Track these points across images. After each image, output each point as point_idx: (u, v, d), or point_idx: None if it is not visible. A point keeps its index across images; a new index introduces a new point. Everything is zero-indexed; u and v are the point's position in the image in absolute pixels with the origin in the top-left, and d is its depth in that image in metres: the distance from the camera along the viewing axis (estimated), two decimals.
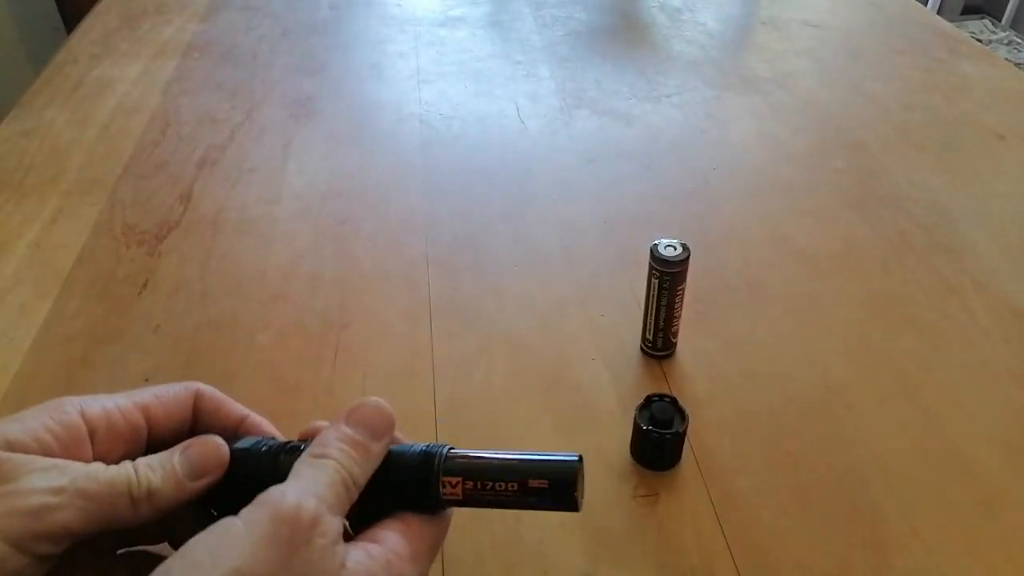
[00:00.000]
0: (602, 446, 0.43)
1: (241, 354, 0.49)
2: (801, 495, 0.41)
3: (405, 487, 0.28)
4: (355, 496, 0.26)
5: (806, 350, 0.49)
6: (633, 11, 1.00)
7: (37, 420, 0.26)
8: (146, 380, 0.47)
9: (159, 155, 0.69)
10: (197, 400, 0.30)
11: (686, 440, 0.43)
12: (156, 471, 0.26)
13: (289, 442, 0.29)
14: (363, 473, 0.27)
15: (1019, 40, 2.19)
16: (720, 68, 0.85)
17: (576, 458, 0.29)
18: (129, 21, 0.94)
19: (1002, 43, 2.19)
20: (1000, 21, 2.29)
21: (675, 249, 0.44)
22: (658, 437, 0.41)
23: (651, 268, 0.45)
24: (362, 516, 0.28)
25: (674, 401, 0.42)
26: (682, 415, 0.41)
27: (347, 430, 0.27)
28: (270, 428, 0.31)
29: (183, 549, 0.22)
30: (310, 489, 0.25)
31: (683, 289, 0.46)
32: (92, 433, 0.27)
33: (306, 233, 0.60)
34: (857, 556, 0.38)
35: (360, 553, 0.25)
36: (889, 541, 0.39)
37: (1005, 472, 0.42)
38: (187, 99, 0.78)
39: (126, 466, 0.26)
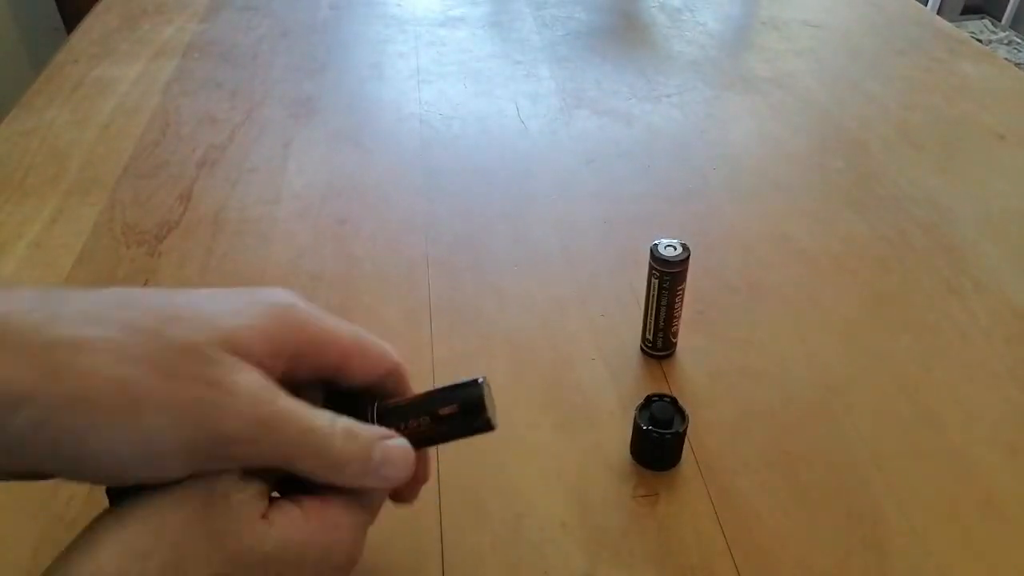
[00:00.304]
0: (602, 446, 0.43)
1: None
2: (801, 495, 0.41)
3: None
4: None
5: (806, 350, 0.50)
6: (633, 11, 1.00)
7: (292, 350, 0.27)
8: None
9: (159, 155, 0.69)
10: (390, 374, 0.31)
11: (686, 440, 0.43)
12: (355, 442, 0.27)
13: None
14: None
15: (1019, 40, 2.19)
16: (720, 68, 0.85)
17: (480, 380, 0.29)
18: (129, 21, 0.94)
19: (1002, 43, 2.19)
20: (1000, 21, 2.29)
21: (675, 249, 0.44)
22: (658, 437, 0.41)
23: (651, 268, 0.45)
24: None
25: (674, 401, 0.42)
26: (682, 415, 0.41)
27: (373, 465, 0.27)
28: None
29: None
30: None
31: (683, 289, 0.46)
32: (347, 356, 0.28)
33: (306, 233, 0.60)
34: (857, 556, 0.38)
35: (290, 505, 0.26)
36: (889, 541, 0.39)
37: (1005, 472, 0.42)
38: (187, 99, 0.78)
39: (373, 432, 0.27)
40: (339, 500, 0.27)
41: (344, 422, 0.27)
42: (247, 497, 0.25)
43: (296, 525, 0.25)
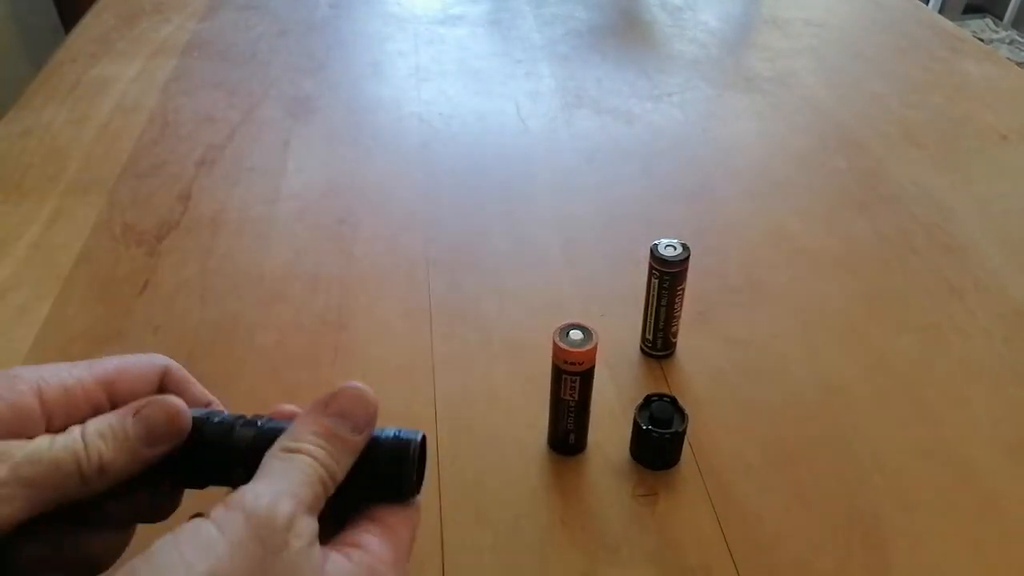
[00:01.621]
0: (602, 446, 0.43)
1: (241, 354, 0.49)
2: (801, 495, 0.41)
3: (381, 479, 0.26)
4: (331, 492, 0.25)
5: (806, 350, 0.49)
6: (634, 9, 1.00)
7: None
8: None
9: (158, 155, 0.69)
10: (165, 377, 0.28)
11: (686, 440, 0.43)
12: (107, 440, 0.24)
13: (242, 416, 0.27)
14: (341, 469, 0.25)
15: (1021, 39, 2.19)
16: (721, 67, 0.85)
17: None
18: (127, 20, 0.94)
19: (1004, 42, 2.19)
20: (1002, 20, 2.29)
21: (675, 249, 0.44)
22: (658, 437, 0.40)
23: (651, 268, 0.45)
24: (330, 507, 0.26)
25: (674, 401, 0.42)
26: (682, 415, 0.41)
27: (325, 421, 0.25)
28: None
29: (150, 551, 0.21)
30: (285, 489, 0.23)
31: (683, 289, 0.46)
32: (48, 415, 0.25)
33: (305, 233, 0.60)
34: (857, 556, 0.38)
35: (340, 557, 0.24)
36: (889, 541, 0.39)
37: (1005, 472, 0.42)
38: (186, 98, 0.78)
39: (73, 436, 0.24)
40: (381, 544, 0.25)
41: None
42: (306, 545, 0.23)
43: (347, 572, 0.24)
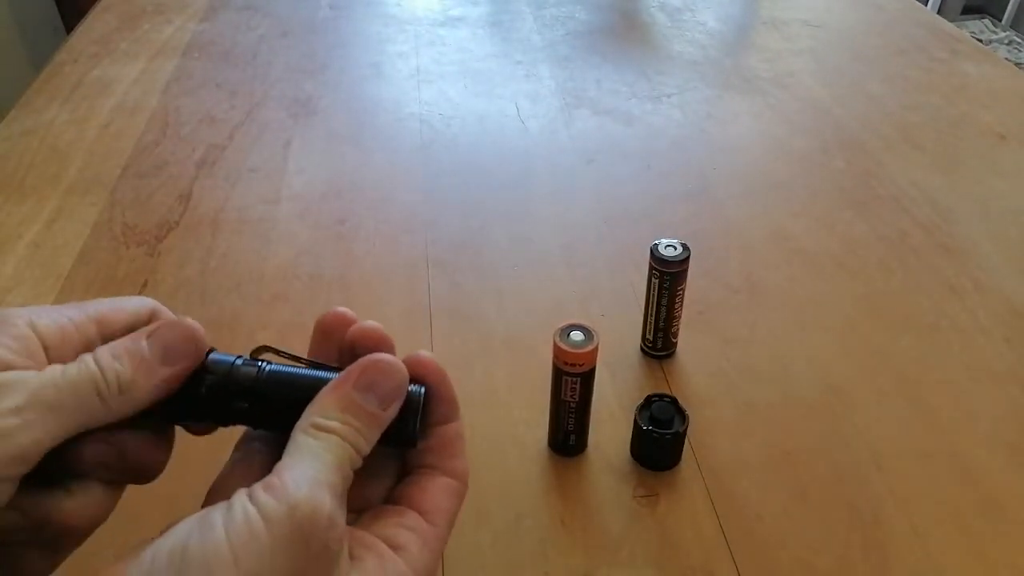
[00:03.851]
0: (602, 446, 0.43)
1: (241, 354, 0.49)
2: (801, 495, 0.41)
3: (389, 430, 0.25)
4: (358, 467, 0.24)
5: (806, 350, 0.49)
6: (633, 11, 1.00)
7: None
8: None
9: (159, 155, 0.69)
10: (153, 318, 0.27)
11: (686, 440, 0.43)
12: (123, 359, 0.24)
13: (240, 356, 0.26)
14: (368, 445, 0.24)
15: (1019, 40, 2.19)
16: (720, 68, 0.85)
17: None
18: (129, 21, 0.94)
19: (1002, 43, 2.19)
20: (1000, 21, 2.29)
21: (675, 249, 0.44)
22: (658, 437, 0.41)
23: (651, 268, 0.45)
24: None
25: (674, 401, 0.42)
26: (682, 415, 0.41)
27: (355, 395, 0.24)
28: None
29: (203, 528, 0.21)
30: (321, 477, 0.22)
31: (683, 289, 0.46)
32: (44, 347, 0.24)
33: (306, 233, 0.60)
34: (857, 556, 0.38)
35: (374, 567, 0.23)
36: (889, 541, 0.39)
37: (1005, 472, 0.42)
38: (187, 99, 0.78)
39: (86, 361, 0.23)
40: (422, 551, 0.25)
41: None
42: (340, 551, 0.22)
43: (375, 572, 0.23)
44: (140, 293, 0.53)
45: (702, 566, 0.38)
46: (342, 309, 0.27)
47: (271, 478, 0.22)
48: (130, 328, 0.26)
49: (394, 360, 0.25)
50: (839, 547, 0.38)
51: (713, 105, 0.78)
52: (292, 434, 0.24)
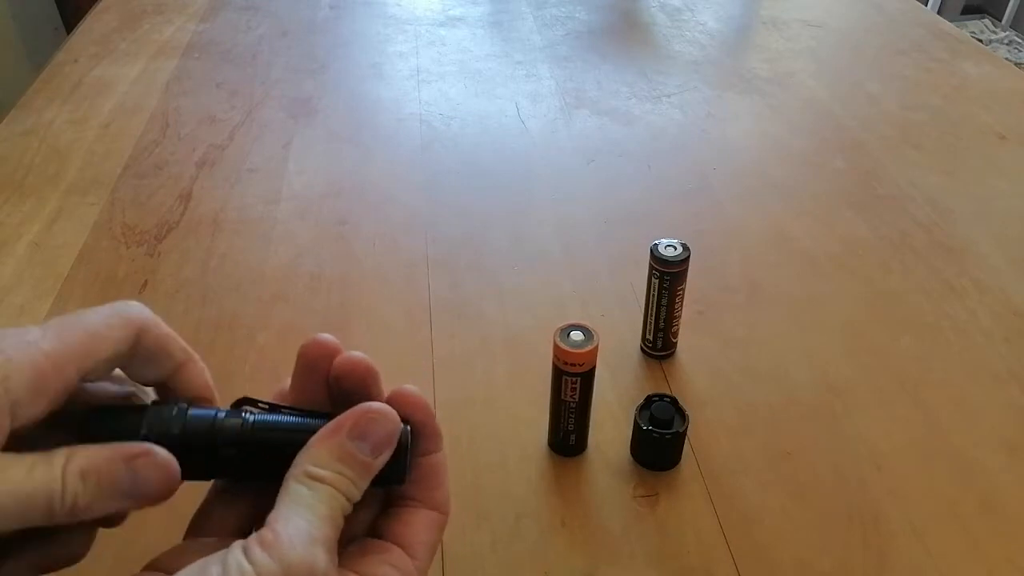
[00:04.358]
0: (602, 446, 0.43)
1: (241, 354, 0.49)
2: (801, 495, 0.41)
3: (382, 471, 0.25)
4: (348, 513, 0.24)
5: (806, 350, 0.49)
6: (633, 11, 1.00)
7: None
8: None
9: (159, 155, 0.69)
10: (140, 337, 0.25)
11: (686, 440, 0.43)
12: (89, 484, 0.22)
13: (220, 409, 0.25)
14: (360, 494, 0.24)
15: (1019, 40, 2.19)
16: (720, 68, 0.85)
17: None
18: (129, 21, 0.94)
19: (1002, 43, 2.19)
20: (1000, 21, 2.29)
21: (675, 249, 0.44)
22: (658, 437, 0.41)
23: (651, 268, 0.45)
24: None
25: (674, 401, 0.42)
26: (682, 415, 0.41)
27: (348, 445, 0.24)
28: (207, 379, 0.27)
29: None
30: (315, 532, 0.22)
31: (683, 289, 0.46)
32: (14, 402, 0.22)
33: (306, 233, 0.60)
34: (857, 556, 0.38)
35: None
36: (889, 541, 0.39)
37: (1005, 472, 0.42)
38: (187, 99, 0.78)
39: (53, 472, 0.22)
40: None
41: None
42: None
43: None
44: (140, 293, 0.54)
45: (702, 566, 0.38)
46: (324, 337, 0.27)
47: (265, 533, 0.22)
48: (112, 364, 0.25)
49: (387, 409, 0.25)
50: (839, 547, 0.38)
51: (713, 105, 0.78)
52: (285, 481, 0.23)
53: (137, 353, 0.25)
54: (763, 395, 0.46)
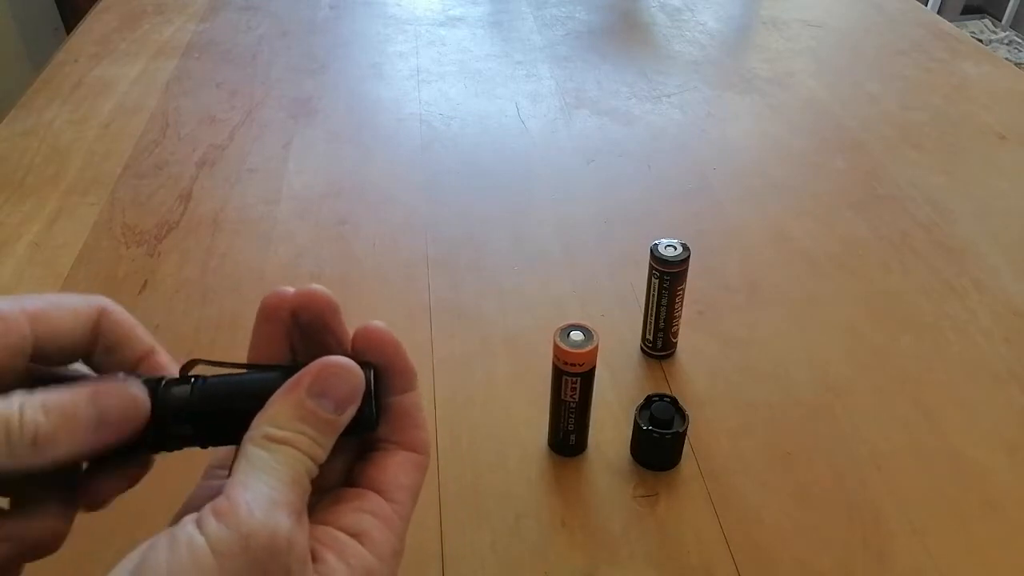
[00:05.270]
0: (602, 446, 0.43)
1: (241, 354, 0.49)
2: (801, 495, 0.41)
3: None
4: (315, 477, 0.22)
5: (806, 350, 0.49)
6: (633, 11, 1.00)
7: None
8: None
9: (159, 155, 0.69)
10: (101, 319, 0.24)
11: (686, 440, 0.43)
12: (51, 415, 0.21)
13: (164, 377, 0.24)
14: (325, 452, 0.22)
15: (1019, 40, 2.19)
16: (720, 68, 0.85)
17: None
18: (129, 21, 0.94)
19: (1002, 43, 2.19)
20: (1000, 21, 2.29)
21: (675, 249, 0.44)
22: (658, 437, 0.41)
23: (651, 268, 0.45)
24: None
25: (674, 401, 0.42)
26: (682, 415, 0.41)
27: (308, 403, 0.22)
28: (173, 372, 0.26)
29: (140, 566, 0.19)
30: (277, 496, 0.21)
31: (683, 289, 0.46)
32: None
33: (306, 233, 0.60)
34: (857, 556, 0.38)
35: (336, 563, 0.22)
36: (889, 541, 0.39)
37: (1005, 472, 0.42)
38: (187, 99, 0.78)
39: (9, 401, 0.21)
40: (383, 532, 0.23)
41: None
42: (302, 554, 0.21)
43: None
44: (140, 293, 0.54)
45: (702, 566, 0.38)
46: (284, 288, 0.26)
47: (220, 501, 0.20)
48: (71, 332, 0.24)
49: (348, 363, 0.23)
50: (839, 547, 0.38)
51: (713, 105, 0.78)
52: (242, 446, 0.22)
53: (99, 340, 0.24)
54: (763, 395, 0.46)
